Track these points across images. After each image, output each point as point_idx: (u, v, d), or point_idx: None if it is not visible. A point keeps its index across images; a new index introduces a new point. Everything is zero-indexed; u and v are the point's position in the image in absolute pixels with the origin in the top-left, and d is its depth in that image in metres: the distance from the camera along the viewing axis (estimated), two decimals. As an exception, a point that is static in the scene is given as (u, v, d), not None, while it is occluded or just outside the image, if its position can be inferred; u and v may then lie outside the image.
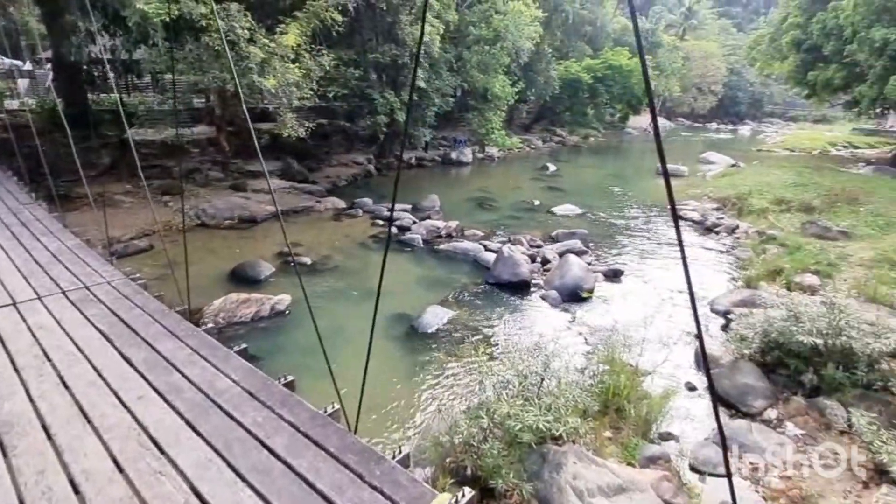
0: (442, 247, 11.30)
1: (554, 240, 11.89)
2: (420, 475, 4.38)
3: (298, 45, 12.21)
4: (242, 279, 9.06)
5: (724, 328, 7.51)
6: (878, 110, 23.07)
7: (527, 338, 7.10)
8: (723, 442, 1.47)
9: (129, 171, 13.71)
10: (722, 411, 5.72)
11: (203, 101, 15.12)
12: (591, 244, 11.65)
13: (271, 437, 2.14)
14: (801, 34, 23.18)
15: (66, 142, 11.35)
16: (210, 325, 3.77)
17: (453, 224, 12.58)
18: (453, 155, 23.85)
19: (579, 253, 10.67)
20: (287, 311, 7.91)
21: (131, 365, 2.75)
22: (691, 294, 1.21)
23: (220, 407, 2.38)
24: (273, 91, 11.36)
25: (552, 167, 22.97)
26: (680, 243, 1.15)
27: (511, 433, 4.24)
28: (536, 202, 15.92)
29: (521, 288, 9.08)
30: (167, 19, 8.95)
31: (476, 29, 20.23)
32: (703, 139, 38.70)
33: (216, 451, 2.11)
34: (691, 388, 6.15)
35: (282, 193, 15.02)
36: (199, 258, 9.97)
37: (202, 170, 14.88)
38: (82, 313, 3.45)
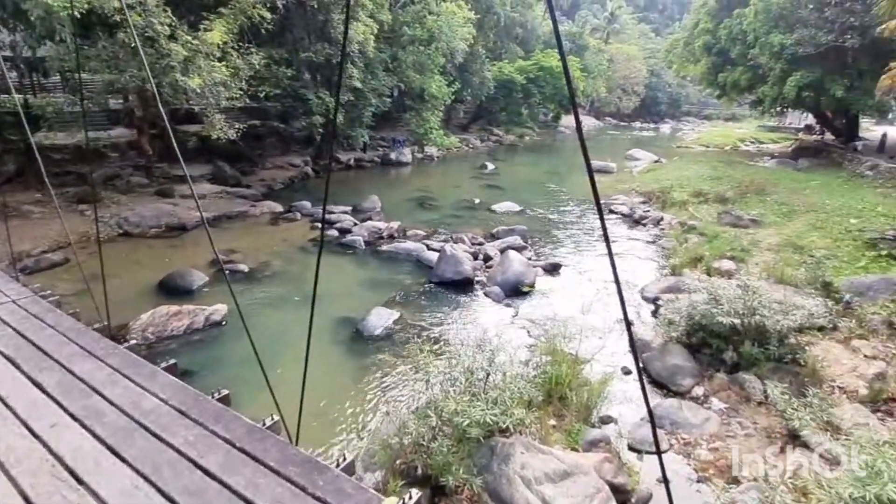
0: (384, 248, 11.20)
1: (495, 237, 12.12)
2: (370, 480, 4.33)
3: (225, 43, 11.64)
4: (173, 290, 8.53)
5: (654, 314, 7.99)
6: (778, 108, 25.39)
7: (472, 334, 7.20)
8: (652, 423, 1.57)
9: (38, 179, 12.52)
10: (655, 391, 6.09)
11: (121, 101, 14.05)
12: (530, 240, 11.99)
13: (205, 455, 2.02)
14: (711, 39, 25.07)
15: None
16: (135, 342, 3.51)
17: (395, 225, 12.51)
18: (393, 155, 23.71)
19: (519, 249, 10.95)
20: (223, 322, 7.54)
21: (42, 390, 2.50)
22: (618, 284, 1.28)
23: (146, 428, 2.22)
24: (199, 91, 10.75)
25: (490, 166, 23.41)
26: (606, 237, 1.20)
27: (460, 429, 4.28)
28: (476, 200, 16.16)
29: (464, 285, 9.19)
30: (75, 13, 8.22)
31: (410, 29, 20.22)
32: (628, 137, 40.91)
33: (143, 476, 1.96)
34: (627, 371, 6.48)
35: (214, 199, 14.29)
36: (123, 270, 9.27)
37: (123, 175, 13.85)
38: (-19, 337, 3.08)
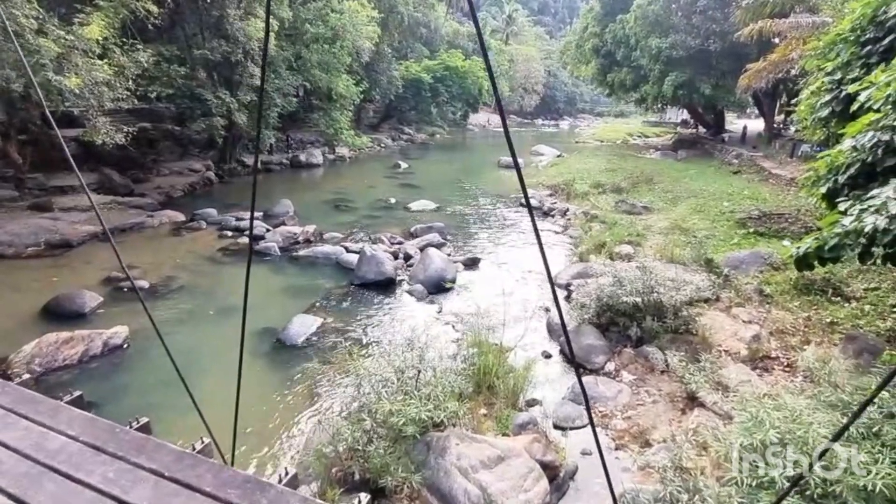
0: (301, 253, 10.84)
1: (413, 235, 12.22)
2: (306, 492, 4.22)
3: (105, 39, 10.52)
4: (60, 315, 7.62)
5: (567, 298, 8.55)
6: (659, 105, 28.19)
7: (399, 334, 7.22)
8: (585, 399, 1.72)
9: None
10: (572, 370, 6.55)
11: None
12: (448, 236, 12.24)
13: (129, 491, 1.87)
14: (598, 42, 27.17)
15: None
16: (25, 377, 3.11)
17: (310, 228, 12.15)
18: (302, 157, 22.91)
19: (439, 246, 11.15)
20: (125, 345, 6.89)
21: (-85, 443, 2.14)
22: (548, 270, 1.40)
23: (56, 471, 2.01)
24: (77, 92, 9.62)
25: (404, 164, 23.47)
26: (535, 228, 1.32)
27: (395, 429, 4.32)
28: (392, 200, 16.15)
29: (387, 286, 9.18)
30: None
31: (313, 27, 19.63)
32: (532, 133, 43.07)
33: (61, 520, 1.78)
34: (547, 355, 6.90)
35: (103, 210, 12.83)
36: (-3, 296, 8.10)
37: (-18, 189, 12.02)
38: None
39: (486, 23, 54.66)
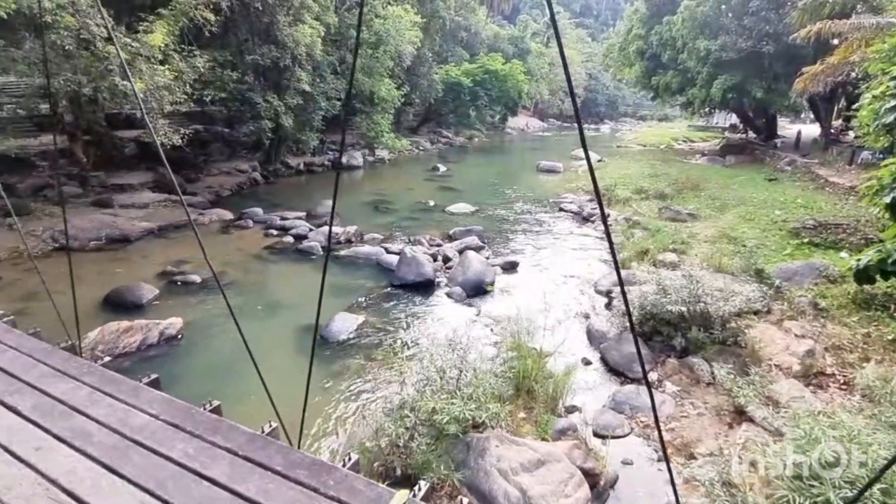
0: (343, 253, 11.12)
1: (452, 238, 12.32)
2: (353, 483, 4.36)
3: (166, 45, 11.15)
4: (120, 306, 8.11)
5: (608, 306, 8.45)
6: (706, 109, 27.29)
7: (439, 334, 7.32)
8: (654, 410, 1.74)
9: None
10: (613, 379, 6.48)
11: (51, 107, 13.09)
12: (486, 240, 12.28)
13: (209, 467, 2.03)
14: (643, 44, 26.59)
15: None
16: (106, 359, 3.38)
17: (352, 229, 12.44)
18: (344, 159, 23.44)
19: (477, 249, 11.21)
20: (180, 336, 7.28)
21: (18, 414, 2.39)
22: (619, 272, 1.45)
23: (141, 445, 2.19)
24: (141, 95, 10.25)
25: (442, 167, 23.65)
26: (607, 232, 1.37)
27: (437, 427, 4.41)
28: (431, 202, 16.32)
29: (426, 287, 9.31)
30: (1, 14, 7.64)
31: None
32: (572, 137, 42.49)
33: (148, 492, 1.94)
34: (587, 362, 6.84)
35: (157, 207, 13.63)
36: (63, 286, 8.67)
37: (55, 185, 12.92)
38: (-65, 364, 2.86)
39: (526, 25, 54.39)
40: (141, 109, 3.31)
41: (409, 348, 7.01)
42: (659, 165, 20.91)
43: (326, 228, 12.56)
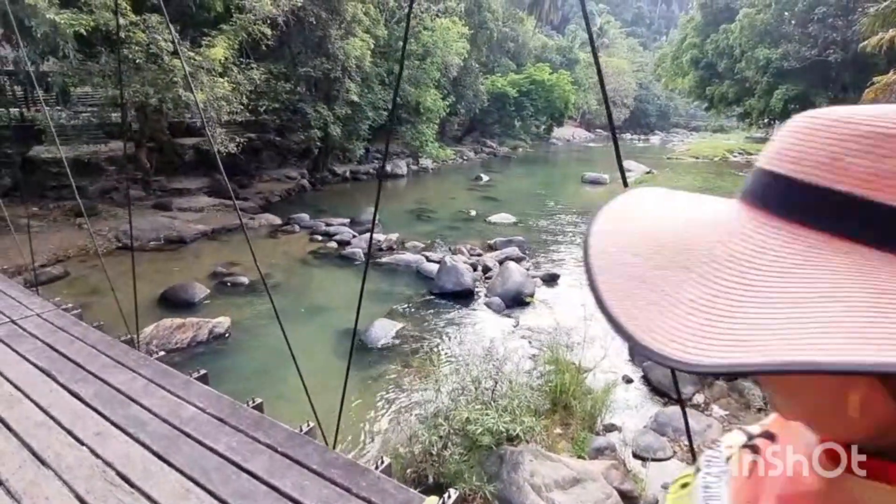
0: (384, 259, 11.32)
1: (492, 248, 12.29)
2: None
3: (226, 59, 11.82)
4: (174, 303, 8.58)
5: (653, 323, 8.17)
6: (766, 120, 26.06)
7: (476, 344, 7.31)
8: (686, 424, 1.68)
9: (35, 193, 12.52)
10: (656, 399, 6.25)
11: (119, 115, 14.15)
12: (527, 251, 12.17)
13: (249, 460, 2.13)
14: (698, 53, 25.81)
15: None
16: (161, 354, 3.60)
17: (393, 237, 12.64)
18: (388, 167, 23.91)
19: (518, 260, 11.12)
20: (227, 335, 7.60)
21: (81, 400, 2.59)
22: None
23: (188, 436, 2.33)
24: (202, 106, 10.91)
25: (485, 177, 23.68)
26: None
27: (471, 437, 4.39)
28: (473, 212, 16.35)
29: (465, 296, 9.32)
30: (82, 31, 8.36)
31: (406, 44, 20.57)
32: (620, 149, 41.44)
33: (194, 480, 2.06)
34: (628, 380, 6.64)
35: (212, 211, 14.36)
36: (123, 283, 9.28)
37: (120, 189, 13.89)
38: (14, 350, 3.16)
39: (575, 35, 53.91)
40: (202, 119, 3.53)
41: (445, 357, 7.04)
42: (712, 178, 20.10)
43: (369, 235, 12.83)
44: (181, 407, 2.50)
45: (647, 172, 25.15)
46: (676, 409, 5.86)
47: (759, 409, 5.61)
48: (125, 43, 9.83)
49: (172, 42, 10.70)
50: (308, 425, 2.65)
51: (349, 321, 8.09)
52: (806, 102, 20.37)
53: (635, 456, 5.22)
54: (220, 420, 2.37)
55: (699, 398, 6.05)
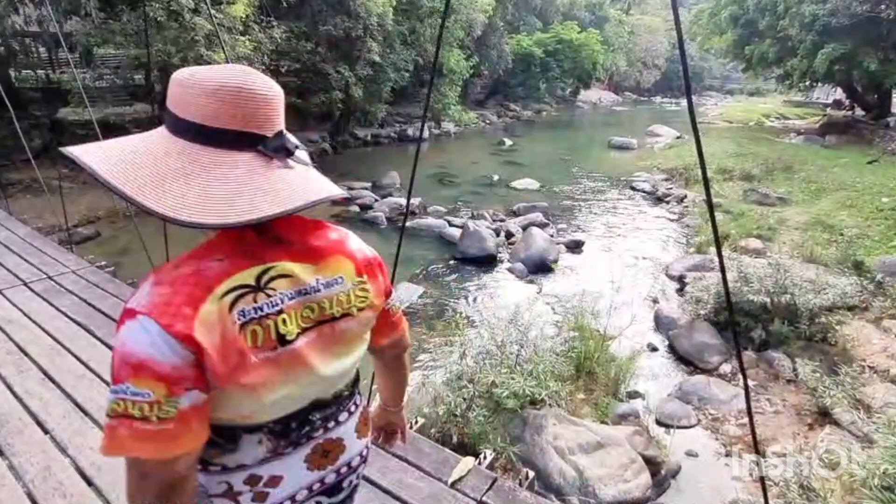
0: (407, 224, 11.27)
1: (515, 213, 12.13)
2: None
3: (247, 17, 11.57)
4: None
5: (680, 291, 8.02)
6: (807, 83, 24.54)
7: (500, 309, 7.29)
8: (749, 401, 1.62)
9: (64, 154, 12.73)
10: (681, 368, 6.19)
11: (143, 76, 14.12)
12: (551, 217, 11.97)
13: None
14: (738, 9, 24.16)
15: (-10, 123, 10.36)
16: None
17: (416, 201, 12.53)
18: (409, 131, 23.56)
19: (541, 225, 10.96)
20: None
21: (119, 355, 2.65)
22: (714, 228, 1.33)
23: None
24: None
25: (508, 142, 23.18)
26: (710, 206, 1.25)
27: (496, 400, 4.42)
28: (495, 177, 16.10)
29: (488, 261, 9.27)
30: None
31: (429, 0, 19.80)
32: (649, 112, 40.03)
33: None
34: (653, 348, 6.57)
35: (235, 174, 14.44)
36: (152, 243, 9.51)
37: (146, 151, 14.00)
38: (52, 304, 3.25)
39: (606, -9, 51.22)
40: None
41: (468, 321, 7.04)
42: (747, 144, 19.25)
43: (391, 199, 12.76)
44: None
45: (678, 137, 24.22)
46: (702, 377, 5.81)
47: (789, 381, 5.50)
48: (147, 1, 9.67)
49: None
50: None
51: (372, 284, 8.17)
52: (853, 63, 19.02)
53: (658, 423, 5.22)
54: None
55: (726, 368, 5.98)
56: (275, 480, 0.90)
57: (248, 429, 0.86)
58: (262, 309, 0.81)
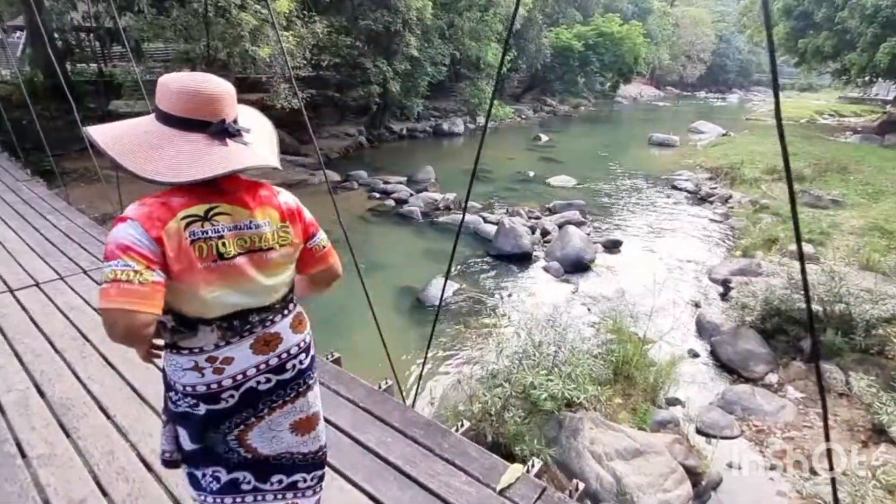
0: (441, 219, 11.29)
1: (552, 211, 11.96)
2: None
3: (290, 12, 11.77)
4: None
5: (724, 296, 7.74)
6: (866, 78, 23.16)
7: (535, 309, 7.22)
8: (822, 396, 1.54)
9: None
10: (724, 376, 5.99)
11: (191, 70, 14.57)
12: (588, 215, 11.75)
13: (333, 413, 2.19)
14: (792, 1, 23.00)
15: (47, 115, 10.91)
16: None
17: (451, 196, 12.54)
18: (445, 125, 23.52)
19: (578, 224, 10.77)
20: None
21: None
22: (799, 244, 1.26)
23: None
24: (267, 60, 11.00)
25: (545, 137, 22.84)
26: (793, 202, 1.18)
27: (532, 401, 4.38)
28: (531, 173, 15.90)
29: (523, 259, 9.18)
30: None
31: (468, -6, 19.68)
32: (692, 108, 38.64)
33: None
34: (694, 354, 6.38)
35: (275, 166, 14.77)
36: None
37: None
38: (111, 293, 3.40)
39: (649, -18, 49.60)
40: (287, 68, 3.49)
41: (503, 319, 7.00)
42: (798, 142, 18.33)
43: (426, 194, 12.79)
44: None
45: (723, 135, 23.32)
46: (745, 387, 5.60)
47: (841, 394, 5.24)
48: (195, -3, 9.99)
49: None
50: (386, 383, 2.70)
51: (407, 279, 8.23)
52: (918, 57, 17.83)
53: (699, 432, 5.07)
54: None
55: (772, 378, 5.74)
56: (227, 360, 1.26)
57: (203, 321, 1.22)
58: (206, 232, 1.17)
